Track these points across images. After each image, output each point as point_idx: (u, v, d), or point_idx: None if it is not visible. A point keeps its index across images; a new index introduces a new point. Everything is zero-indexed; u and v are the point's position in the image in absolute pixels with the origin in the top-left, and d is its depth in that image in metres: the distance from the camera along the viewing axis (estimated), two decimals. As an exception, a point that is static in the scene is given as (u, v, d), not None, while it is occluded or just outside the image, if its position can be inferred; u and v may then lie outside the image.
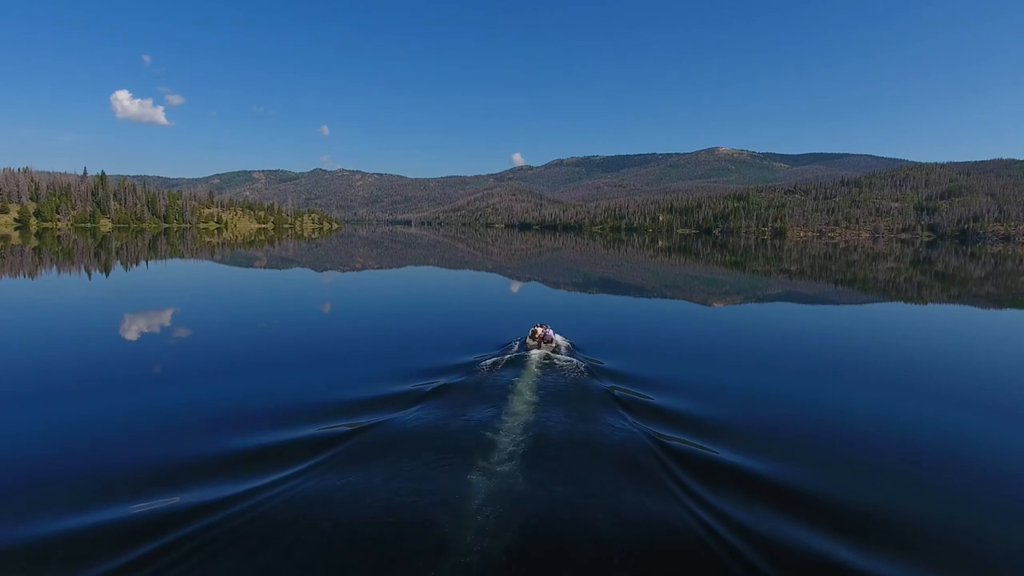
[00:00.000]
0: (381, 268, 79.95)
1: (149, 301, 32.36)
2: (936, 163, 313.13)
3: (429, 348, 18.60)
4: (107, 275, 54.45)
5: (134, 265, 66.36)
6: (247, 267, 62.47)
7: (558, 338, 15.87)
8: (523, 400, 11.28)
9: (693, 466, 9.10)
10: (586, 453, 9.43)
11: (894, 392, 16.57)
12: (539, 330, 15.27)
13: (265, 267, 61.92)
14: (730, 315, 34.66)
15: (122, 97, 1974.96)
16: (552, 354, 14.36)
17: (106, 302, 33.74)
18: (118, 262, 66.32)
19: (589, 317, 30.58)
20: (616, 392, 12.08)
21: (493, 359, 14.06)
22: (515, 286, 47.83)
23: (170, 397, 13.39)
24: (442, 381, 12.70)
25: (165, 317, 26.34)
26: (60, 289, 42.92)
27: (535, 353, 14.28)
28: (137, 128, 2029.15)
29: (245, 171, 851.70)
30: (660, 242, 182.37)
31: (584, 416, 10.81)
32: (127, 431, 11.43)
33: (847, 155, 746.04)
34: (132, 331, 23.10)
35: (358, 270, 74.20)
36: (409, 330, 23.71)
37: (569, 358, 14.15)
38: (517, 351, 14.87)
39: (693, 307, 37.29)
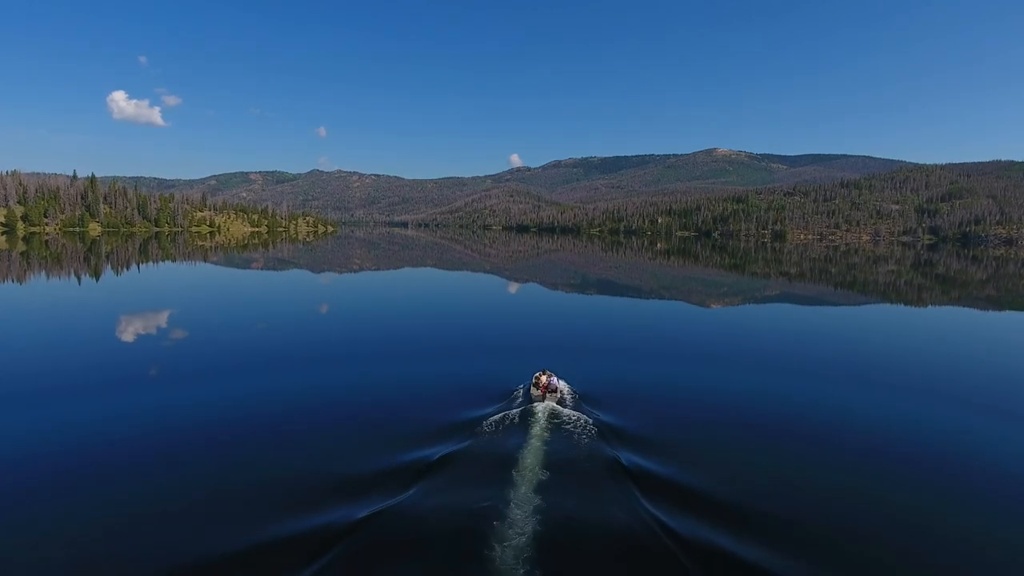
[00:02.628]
0: (378, 269, 79.14)
1: (117, 324, 30.36)
2: (936, 164, 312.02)
3: (428, 388, 17.87)
4: (97, 280, 53.29)
5: (124, 269, 64.82)
6: (229, 283, 59.77)
7: (561, 385, 15.49)
8: (532, 480, 10.72)
9: (711, 564, 8.65)
10: (598, 554, 8.94)
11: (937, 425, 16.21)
12: (543, 378, 15.04)
13: (252, 277, 59.83)
14: (733, 331, 32.89)
15: (118, 98, 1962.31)
16: (557, 407, 14.15)
17: (77, 319, 31.87)
18: (108, 267, 64.69)
19: (591, 338, 29.14)
20: (624, 460, 11.69)
21: (498, 415, 13.69)
22: (515, 297, 46.14)
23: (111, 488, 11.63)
24: (444, 450, 12.00)
25: (123, 346, 24.63)
26: (45, 297, 41.36)
27: (540, 408, 14.02)
28: (133, 129, 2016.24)
29: (242, 172, 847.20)
30: (659, 245, 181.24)
31: (595, 503, 10.19)
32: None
33: (845, 156, 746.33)
34: (95, 366, 21.23)
35: (354, 272, 73.27)
36: (406, 363, 21.94)
37: (574, 413, 13.84)
38: (521, 403, 14.62)
39: (695, 322, 35.53)
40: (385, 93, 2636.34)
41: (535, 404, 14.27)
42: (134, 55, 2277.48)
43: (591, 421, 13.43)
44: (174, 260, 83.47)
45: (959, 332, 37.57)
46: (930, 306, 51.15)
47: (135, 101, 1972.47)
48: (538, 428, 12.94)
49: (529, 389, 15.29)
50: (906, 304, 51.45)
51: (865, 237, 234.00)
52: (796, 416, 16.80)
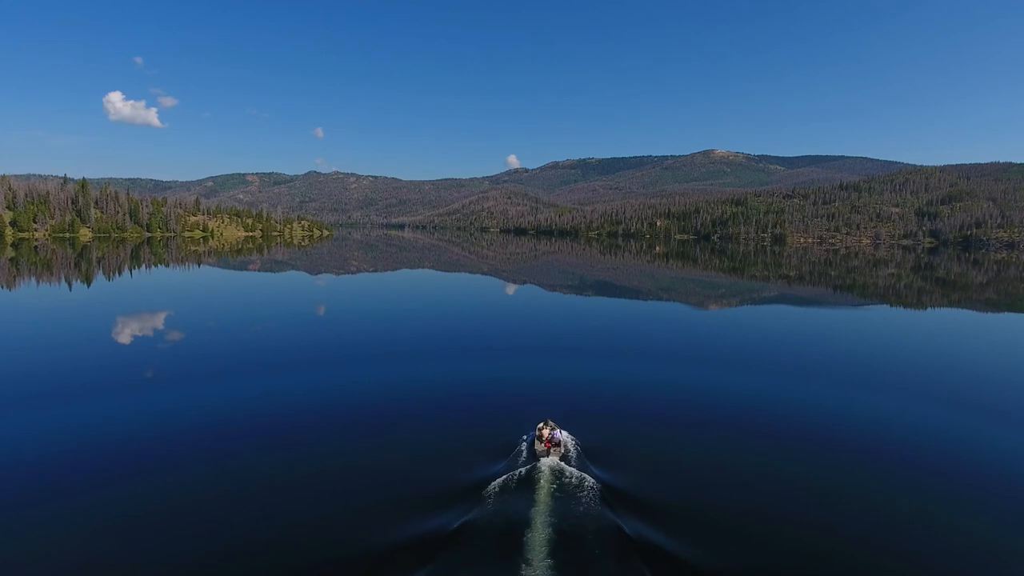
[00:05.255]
0: (375, 273, 78.07)
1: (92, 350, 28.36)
2: (935, 166, 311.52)
3: (430, 433, 17.28)
4: (88, 285, 52.57)
5: (117, 274, 63.64)
6: (207, 299, 57.68)
7: (564, 437, 15.89)
8: (541, 562, 10.45)
9: None
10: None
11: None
12: (546, 431, 15.33)
13: (236, 292, 57.97)
14: (736, 348, 31.34)
15: (115, 99, 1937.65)
16: (562, 465, 14.39)
17: (70, 326, 30.53)
18: (98, 274, 63.50)
19: (591, 360, 27.92)
20: (630, 531, 11.52)
21: (504, 476, 13.72)
22: (514, 308, 42.96)
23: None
24: (454, 522, 11.61)
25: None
26: (37, 303, 40.17)
27: (545, 466, 14.19)
28: (130, 130, 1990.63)
29: (239, 174, 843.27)
30: (658, 248, 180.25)
31: None
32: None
33: (843, 157, 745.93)
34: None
35: (351, 275, 73.04)
36: (402, 400, 20.67)
37: (580, 475, 13.96)
38: (526, 460, 14.78)
39: (696, 342, 32.92)
40: (383, 94, 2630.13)
41: (540, 462, 14.35)
42: (130, 56, 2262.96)
43: (596, 484, 13.49)
44: (168, 265, 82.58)
45: (960, 335, 38.89)
46: (930, 308, 51.80)
47: (131, 102, 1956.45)
48: (545, 494, 12.93)
49: (533, 442, 15.39)
50: (915, 308, 51.44)
51: (865, 240, 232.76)
52: (820, 469, 15.51)
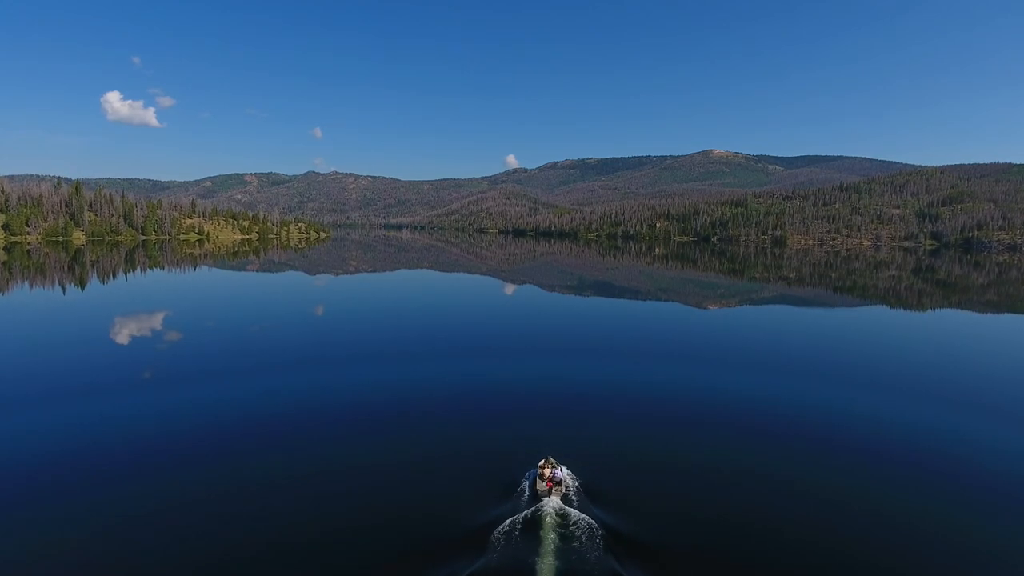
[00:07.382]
0: (373, 271, 77.09)
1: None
2: (935, 167, 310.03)
3: (430, 471, 16.44)
4: (83, 289, 51.58)
5: (111, 278, 62.56)
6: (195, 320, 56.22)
7: (565, 474, 15.84)
8: None
9: None
10: None
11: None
12: (547, 470, 15.27)
13: (223, 300, 56.73)
14: (743, 365, 28.35)
15: (112, 99, 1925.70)
16: (564, 508, 14.36)
17: (65, 332, 28.18)
18: (94, 277, 62.44)
19: (590, 379, 26.04)
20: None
21: (508, 522, 13.59)
22: (515, 321, 40.37)
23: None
24: (461, 573, 11.19)
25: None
26: (32, 308, 39.27)
27: (548, 508, 14.20)
28: (128, 130, 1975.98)
29: (237, 174, 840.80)
30: (657, 250, 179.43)
31: None
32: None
33: (842, 157, 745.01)
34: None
35: (351, 274, 70.75)
36: (399, 431, 19.43)
37: (582, 517, 14.01)
38: (528, 501, 14.70)
39: (698, 361, 29.21)
40: (381, 94, 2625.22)
41: (543, 504, 14.40)
42: (128, 56, 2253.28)
43: (598, 527, 13.50)
44: (163, 268, 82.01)
45: (961, 337, 39.03)
46: (930, 310, 52.09)
47: (129, 102, 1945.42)
48: (548, 541, 12.96)
49: (534, 482, 15.35)
50: (915, 310, 51.34)
51: (866, 242, 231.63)
52: (839, 501, 14.50)
